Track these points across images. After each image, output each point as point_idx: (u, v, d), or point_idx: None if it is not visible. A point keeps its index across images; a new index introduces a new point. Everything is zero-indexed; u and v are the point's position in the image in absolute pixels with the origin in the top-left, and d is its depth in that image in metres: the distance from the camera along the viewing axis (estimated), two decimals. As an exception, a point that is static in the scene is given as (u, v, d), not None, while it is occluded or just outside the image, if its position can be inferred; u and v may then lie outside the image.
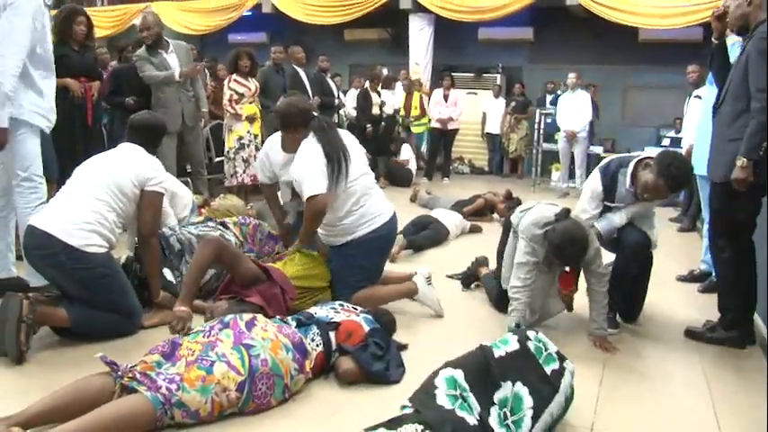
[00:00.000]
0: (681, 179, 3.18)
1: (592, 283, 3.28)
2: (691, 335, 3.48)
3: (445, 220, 5.80)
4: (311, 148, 3.42)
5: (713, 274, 4.15)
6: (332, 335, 2.79)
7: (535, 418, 2.15)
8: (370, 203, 3.52)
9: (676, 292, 4.41)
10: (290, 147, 3.58)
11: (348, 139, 3.59)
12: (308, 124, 3.48)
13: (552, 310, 3.52)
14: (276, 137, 3.93)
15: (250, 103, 6.62)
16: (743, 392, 2.78)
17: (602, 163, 3.57)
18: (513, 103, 11.62)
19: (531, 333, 2.42)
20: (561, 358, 2.38)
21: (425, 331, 3.41)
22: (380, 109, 9.53)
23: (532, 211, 3.36)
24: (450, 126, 10.14)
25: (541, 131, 9.95)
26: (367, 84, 9.60)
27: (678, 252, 5.61)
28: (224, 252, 3.11)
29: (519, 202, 6.18)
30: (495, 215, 6.85)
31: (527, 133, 11.19)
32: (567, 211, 3.24)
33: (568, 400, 2.32)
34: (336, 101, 8.36)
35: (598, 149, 9.77)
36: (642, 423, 2.47)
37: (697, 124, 4.49)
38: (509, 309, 3.26)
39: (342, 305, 3.09)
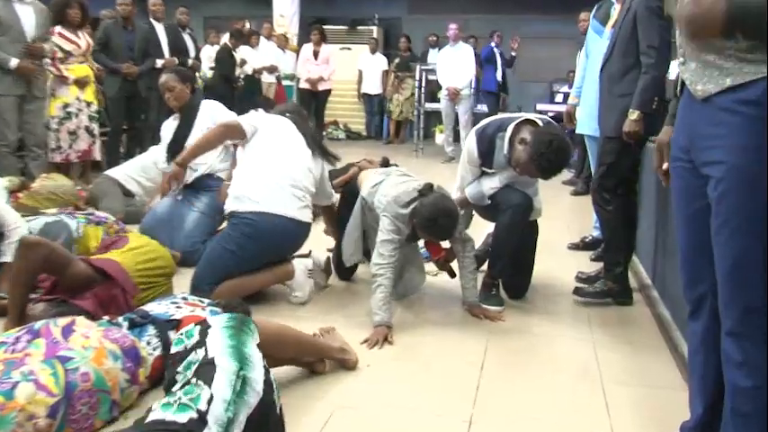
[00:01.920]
0: (553, 170, 3.24)
1: (457, 251, 3.43)
2: (578, 291, 3.69)
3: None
4: None
5: None
6: (172, 334, 2.61)
7: None
8: (256, 182, 3.44)
9: (567, 261, 4.53)
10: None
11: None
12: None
13: (416, 284, 3.69)
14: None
15: (80, 63, 6.18)
16: (636, 377, 2.82)
17: (480, 125, 3.59)
18: (396, 60, 11.62)
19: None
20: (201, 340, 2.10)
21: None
22: (241, 69, 9.28)
23: (387, 186, 3.39)
24: (322, 86, 10.04)
25: (423, 90, 10.01)
26: (226, 39, 9.26)
27: (570, 217, 5.79)
28: (53, 256, 2.87)
29: (398, 170, 6.14)
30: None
31: (413, 93, 11.21)
32: (429, 186, 3.28)
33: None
34: (191, 60, 7.99)
35: (485, 107, 9.96)
36: (527, 415, 2.47)
37: (580, 82, 4.65)
38: (373, 287, 3.22)
39: (185, 298, 2.92)
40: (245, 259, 3.39)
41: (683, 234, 1.93)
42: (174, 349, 2.15)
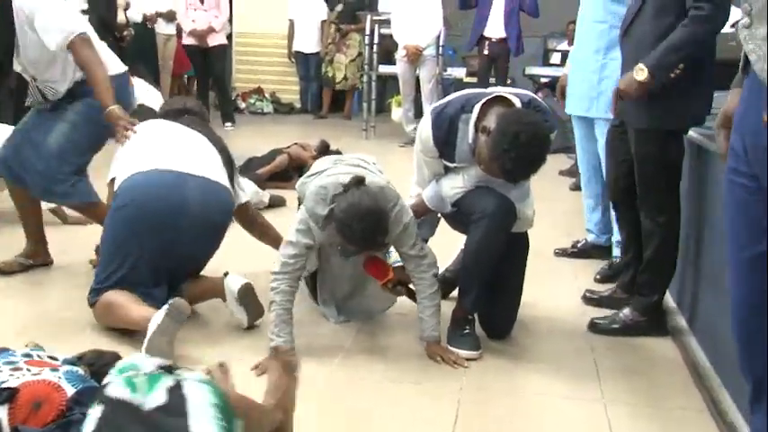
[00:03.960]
0: (519, 172, 3.20)
1: (410, 271, 3.49)
2: (594, 328, 3.73)
3: None
4: None
5: (614, 249, 4.52)
6: (2, 411, 2.42)
7: None
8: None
9: (563, 277, 4.60)
10: None
11: None
12: None
13: (382, 303, 3.80)
14: None
15: None
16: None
17: (439, 103, 3.56)
18: (338, 6, 11.50)
19: (117, 368, 2.19)
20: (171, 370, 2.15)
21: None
22: (125, 13, 9.18)
23: (323, 177, 3.42)
24: (213, 41, 9.87)
25: (375, 49, 9.90)
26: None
27: (569, 220, 5.79)
28: None
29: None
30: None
31: (361, 52, 11.11)
32: (358, 180, 3.30)
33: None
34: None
35: (459, 72, 9.82)
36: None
37: (574, 46, 4.73)
38: (269, 303, 3.36)
39: (27, 356, 2.71)
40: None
41: (736, 283, 1.84)
42: None
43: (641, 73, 3.30)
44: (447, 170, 3.53)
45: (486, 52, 9.15)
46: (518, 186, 3.47)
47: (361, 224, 3.16)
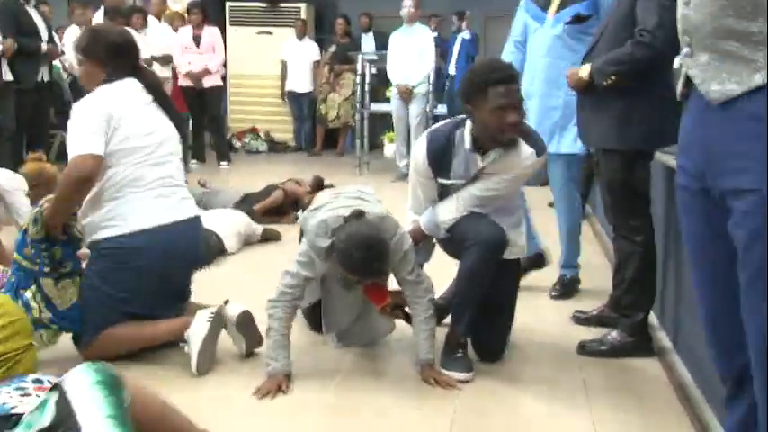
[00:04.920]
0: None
1: (407, 296, 3.53)
2: (583, 350, 3.76)
3: (218, 225, 5.64)
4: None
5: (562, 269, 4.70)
6: None
7: None
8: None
9: (548, 307, 4.57)
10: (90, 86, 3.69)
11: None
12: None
13: (375, 334, 3.86)
14: None
15: None
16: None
17: (433, 127, 3.68)
18: (331, 48, 11.57)
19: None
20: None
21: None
22: None
23: (325, 210, 3.47)
24: (208, 83, 9.95)
25: (366, 87, 9.95)
26: (99, 17, 9.04)
27: (554, 249, 5.69)
28: None
29: (332, 193, 6.12)
30: (301, 213, 6.70)
31: (354, 91, 11.06)
32: (358, 213, 3.37)
33: None
34: (45, 45, 7.80)
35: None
36: None
37: (525, 80, 4.61)
38: (267, 330, 3.42)
39: (38, 381, 2.73)
40: (125, 297, 3.52)
41: (701, 288, 1.86)
42: None
43: (584, 71, 3.62)
44: (442, 193, 3.58)
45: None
46: (511, 213, 3.59)
47: (361, 253, 3.21)
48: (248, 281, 4.36)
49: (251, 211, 6.38)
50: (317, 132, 11.98)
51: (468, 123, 3.43)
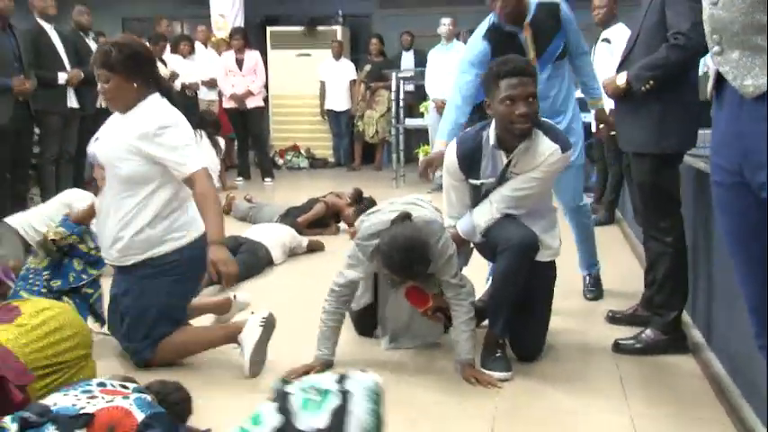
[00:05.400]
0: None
1: (449, 298, 3.57)
2: (618, 348, 3.78)
3: (265, 237, 5.72)
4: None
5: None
6: None
7: None
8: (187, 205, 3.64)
9: (585, 302, 4.66)
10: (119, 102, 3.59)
11: None
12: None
13: (426, 338, 3.93)
14: None
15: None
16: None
17: (465, 130, 3.76)
18: (366, 67, 11.65)
19: (293, 386, 2.35)
20: (342, 380, 2.32)
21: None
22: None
23: (376, 214, 3.62)
24: (251, 104, 10.09)
25: (401, 104, 10.05)
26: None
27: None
28: None
29: (372, 204, 6.16)
30: (343, 224, 6.79)
31: (389, 108, 11.13)
32: (404, 216, 3.46)
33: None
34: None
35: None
36: None
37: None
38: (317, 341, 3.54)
39: (102, 384, 2.83)
40: (183, 306, 3.67)
41: (745, 282, 1.86)
42: None
43: (621, 79, 3.64)
44: (474, 196, 3.64)
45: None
46: (544, 216, 3.65)
47: (401, 255, 3.31)
48: (294, 287, 4.44)
49: (295, 223, 6.45)
50: (355, 148, 12.10)
51: (494, 123, 3.49)
